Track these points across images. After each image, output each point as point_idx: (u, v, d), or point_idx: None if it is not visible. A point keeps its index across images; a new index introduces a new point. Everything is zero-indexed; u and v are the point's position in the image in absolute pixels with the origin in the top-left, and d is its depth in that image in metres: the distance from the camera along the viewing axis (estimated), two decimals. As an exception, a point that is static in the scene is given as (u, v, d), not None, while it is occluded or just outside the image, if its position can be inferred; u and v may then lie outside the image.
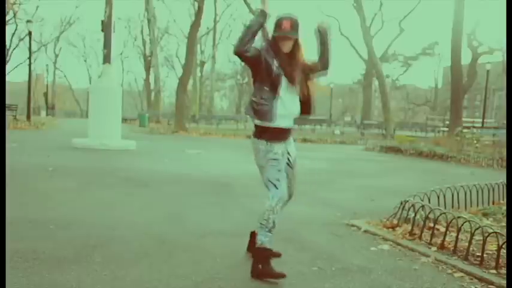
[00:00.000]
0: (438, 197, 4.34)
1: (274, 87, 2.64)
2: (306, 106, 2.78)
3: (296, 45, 2.67)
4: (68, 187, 5.24)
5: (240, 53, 2.55)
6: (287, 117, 2.71)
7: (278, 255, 2.93)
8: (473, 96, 54.61)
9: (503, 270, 2.84)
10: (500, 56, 31.78)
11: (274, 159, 2.68)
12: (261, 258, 2.66)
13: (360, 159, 11.20)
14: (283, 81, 2.65)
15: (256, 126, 2.73)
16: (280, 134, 2.72)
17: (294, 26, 2.62)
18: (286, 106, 2.68)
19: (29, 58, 22.02)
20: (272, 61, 2.62)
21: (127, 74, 61.70)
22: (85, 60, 52.71)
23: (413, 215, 3.78)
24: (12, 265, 2.61)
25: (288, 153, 2.80)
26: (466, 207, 4.62)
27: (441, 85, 52.82)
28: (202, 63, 41.04)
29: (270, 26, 2.68)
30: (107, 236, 3.31)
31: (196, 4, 23.69)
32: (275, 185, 2.65)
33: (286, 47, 2.64)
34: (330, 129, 26.33)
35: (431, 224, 3.57)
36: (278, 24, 2.62)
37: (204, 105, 42.58)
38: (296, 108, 2.75)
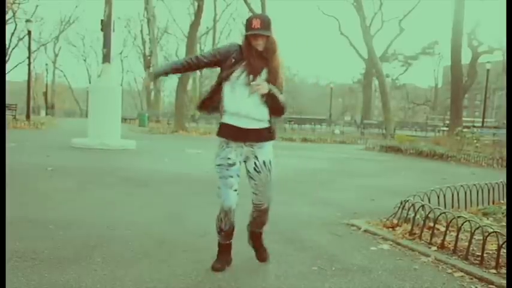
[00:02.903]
0: (438, 197, 4.34)
1: (224, 80, 2.62)
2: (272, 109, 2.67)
3: (268, 43, 2.58)
4: (67, 187, 5.23)
5: (193, 70, 2.84)
6: (241, 117, 2.61)
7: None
8: (474, 96, 54.62)
9: (503, 270, 2.84)
10: (501, 56, 31.73)
11: (217, 165, 2.66)
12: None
13: (360, 158, 11.20)
14: (242, 78, 2.56)
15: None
16: (236, 134, 2.62)
17: (265, 24, 2.54)
18: (240, 103, 2.59)
19: (29, 58, 21.99)
20: (233, 60, 2.59)
21: (127, 73, 61.69)
22: (84, 60, 52.76)
23: (413, 214, 3.78)
24: (11, 265, 2.61)
25: (256, 157, 2.67)
26: (466, 207, 4.62)
27: (441, 85, 52.82)
28: (202, 63, 40.92)
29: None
30: (107, 236, 3.31)
31: (196, 3, 23.67)
32: (217, 194, 2.69)
33: (259, 45, 2.56)
34: (330, 129, 26.32)
35: (431, 224, 3.56)
36: (248, 24, 2.57)
37: (204, 105, 42.46)
38: (254, 109, 2.60)
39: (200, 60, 2.67)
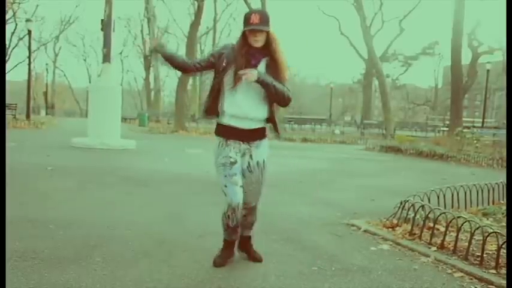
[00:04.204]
0: (438, 197, 4.34)
1: (223, 84, 2.61)
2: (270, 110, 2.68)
3: (268, 38, 2.56)
4: (67, 187, 5.23)
5: (187, 73, 2.74)
6: (241, 118, 2.61)
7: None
8: (474, 96, 54.58)
9: (503, 270, 2.84)
10: (501, 56, 31.72)
11: (221, 164, 2.66)
12: None
13: (360, 159, 11.20)
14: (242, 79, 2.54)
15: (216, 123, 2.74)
16: (235, 133, 2.64)
17: (263, 19, 2.51)
18: (240, 105, 2.59)
19: (29, 57, 22.00)
20: (224, 61, 2.57)
21: (127, 73, 61.53)
22: (85, 60, 52.95)
23: (413, 214, 3.78)
24: (12, 265, 2.61)
25: (251, 156, 2.68)
26: (466, 207, 4.62)
27: (441, 85, 52.79)
28: (202, 63, 40.94)
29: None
30: (107, 236, 3.31)
31: (196, 3, 23.67)
32: (224, 192, 2.68)
33: (258, 41, 2.54)
34: (330, 129, 26.32)
35: (431, 224, 3.57)
36: (246, 19, 2.53)
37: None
38: (254, 110, 2.61)
39: (195, 64, 2.65)
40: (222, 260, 2.82)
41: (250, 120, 2.63)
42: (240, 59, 2.55)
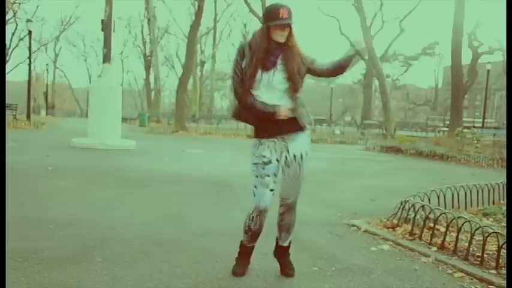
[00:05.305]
0: (438, 197, 4.34)
1: (251, 82, 2.51)
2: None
3: (291, 33, 2.51)
4: (67, 187, 5.23)
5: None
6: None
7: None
8: (474, 96, 54.62)
9: (503, 271, 2.84)
10: (501, 56, 31.75)
11: (253, 164, 2.59)
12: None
13: (360, 159, 11.20)
14: (261, 75, 2.49)
15: None
16: (267, 127, 2.54)
17: (290, 13, 2.47)
18: (263, 98, 2.51)
19: (29, 57, 22.01)
20: (251, 56, 2.48)
21: (127, 73, 61.72)
22: (85, 60, 53.05)
23: (413, 215, 3.78)
24: (12, 265, 2.61)
25: (287, 150, 2.59)
26: (466, 207, 4.61)
27: (441, 85, 52.87)
28: (203, 63, 41.05)
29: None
30: (107, 236, 3.31)
31: (196, 4, 23.69)
32: (253, 192, 2.61)
33: (283, 36, 2.49)
34: (330, 129, 26.32)
35: (432, 224, 3.57)
36: (275, 13, 2.45)
37: (204, 105, 42.59)
38: (278, 101, 2.51)
39: (242, 84, 2.53)
40: (242, 269, 2.71)
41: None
42: (261, 54, 2.47)
